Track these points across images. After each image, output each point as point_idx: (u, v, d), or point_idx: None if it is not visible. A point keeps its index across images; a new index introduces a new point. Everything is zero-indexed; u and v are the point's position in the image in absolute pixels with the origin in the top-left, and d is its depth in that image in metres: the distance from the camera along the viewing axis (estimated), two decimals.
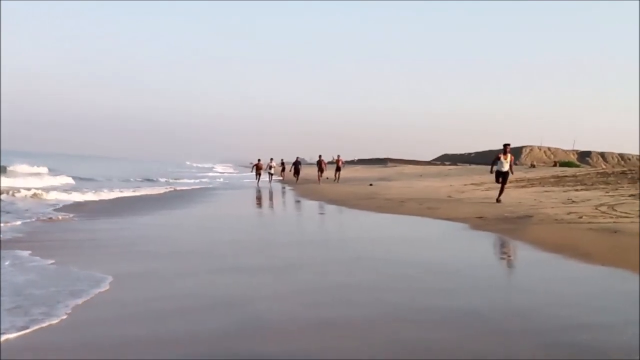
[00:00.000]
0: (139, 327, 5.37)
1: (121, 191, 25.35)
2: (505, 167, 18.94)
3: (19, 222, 12.87)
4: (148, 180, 40.17)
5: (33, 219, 13.68)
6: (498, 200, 18.23)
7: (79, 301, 6.07)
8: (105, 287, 6.76)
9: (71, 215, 15.01)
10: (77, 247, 9.89)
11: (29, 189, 21.42)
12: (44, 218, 14.13)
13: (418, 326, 5.48)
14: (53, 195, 20.71)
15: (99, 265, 7.95)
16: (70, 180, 32.42)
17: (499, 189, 19.00)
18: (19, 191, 20.59)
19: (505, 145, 19.18)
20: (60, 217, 14.43)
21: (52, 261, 8.22)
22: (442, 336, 5.12)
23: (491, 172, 20.01)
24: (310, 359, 4.55)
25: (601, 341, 4.95)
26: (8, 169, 40.69)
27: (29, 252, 8.89)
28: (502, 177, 19.01)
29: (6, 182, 25.77)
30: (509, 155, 19.03)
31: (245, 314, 5.82)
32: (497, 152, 19.73)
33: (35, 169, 45.06)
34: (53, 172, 42.13)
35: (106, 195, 23.10)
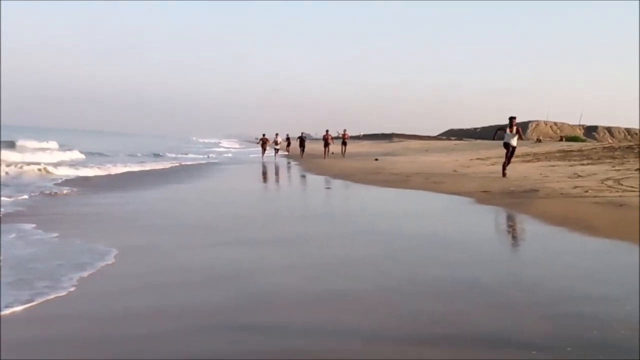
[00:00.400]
0: (144, 300, 5.41)
1: (125, 165, 25.46)
2: (513, 141, 18.65)
3: (24, 196, 12.93)
4: (155, 155, 40.53)
5: (37, 193, 13.73)
6: (504, 174, 17.90)
7: (84, 274, 6.10)
8: (110, 260, 6.78)
9: (76, 189, 15.06)
10: (81, 221, 9.92)
11: (38, 164, 21.51)
12: (49, 192, 14.18)
13: (422, 299, 5.49)
14: (62, 171, 20.76)
15: (103, 239, 7.98)
16: (80, 156, 32.65)
17: (505, 163, 18.70)
18: (28, 165, 20.67)
19: (511, 119, 18.82)
20: (65, 192, 14.46)
21: (56, 234, 8.26)
22: (446, 309, 5.13)
23: (493, 139, 21.63)
24: (313, 331, 4.57)
25: (603, 313, 4.96)
26: (17, 143, 40.82)
27: (33, 225, 8.94)
28: (510, 150, 18.68)
29: (15, 156, 25.90)
30: (515, 128, 18.69)
31: (249, 287, 5.85)
32: (502, 126, 19.49)
33: (45, 144, 45.18)
34: (63, 147, 42.34)
35: (114, 170, 23.21)
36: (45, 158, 27.49)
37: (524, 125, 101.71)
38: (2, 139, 38.84)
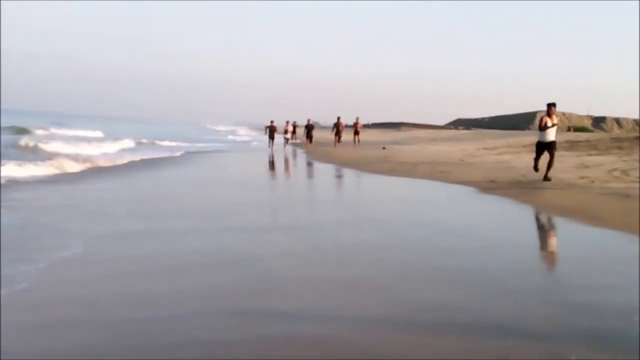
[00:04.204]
0: (134, 283, 5.55)
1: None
2: (551, 136, 13.95)
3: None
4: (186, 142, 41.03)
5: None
6: (547, 178, 13.62)
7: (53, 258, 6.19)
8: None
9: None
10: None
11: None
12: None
13: (425, 285, 5.60)
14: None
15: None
16: (132, 144, 32.90)
17: (536, 161, 14.36)
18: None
19: (550, 106, 14.05)
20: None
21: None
22: (450, 295, 5.25)
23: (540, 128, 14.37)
24: (319, 315, 4.69)
25: (603, 301, 5.07)
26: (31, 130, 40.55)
27: None
28: (548, 150, 13.94)
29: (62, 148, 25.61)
30: (554, 117, 14.06)
31: (252, 271, 5.98)
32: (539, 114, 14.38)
33: (90, 133, 44.40)
34: (108, 136, 41.30)
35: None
36: (104, 148, 27.68)
37: (532, 116, 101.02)
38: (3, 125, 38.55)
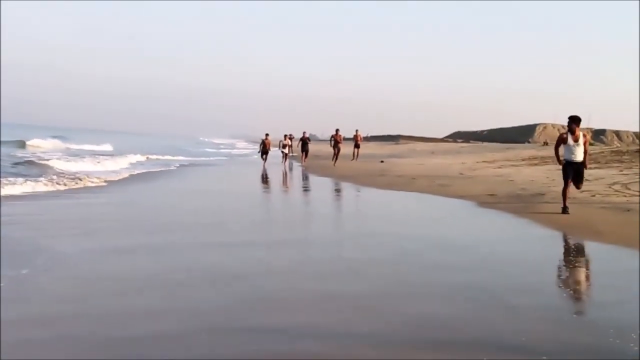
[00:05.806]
0: (134, 299, 5.37)
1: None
2: (579, 155, 11.55)
3: None
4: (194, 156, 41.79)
5: None
6: (565, 210, 11.19)
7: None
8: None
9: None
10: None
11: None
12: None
13: (424, 300, 5.47)
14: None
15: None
16: (142, 158, 33.14)
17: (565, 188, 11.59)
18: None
19: (573, 120, 11.59)
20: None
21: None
22: (449, 311, 5.12)
23: (559, 161, 12.16)
24: (316, 331, 4.55)
25: (603, 317, 4.94)
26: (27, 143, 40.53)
27: None
28: (574, 172, 11.58)
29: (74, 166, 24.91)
30: (580, 134, 11.62)
31: (250, 287, 5.81)
32: (564, 134, 11.77)
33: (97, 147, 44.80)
34: (118, 151, 40.62)
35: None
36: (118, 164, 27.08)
37: (531, 129, 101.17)
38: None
